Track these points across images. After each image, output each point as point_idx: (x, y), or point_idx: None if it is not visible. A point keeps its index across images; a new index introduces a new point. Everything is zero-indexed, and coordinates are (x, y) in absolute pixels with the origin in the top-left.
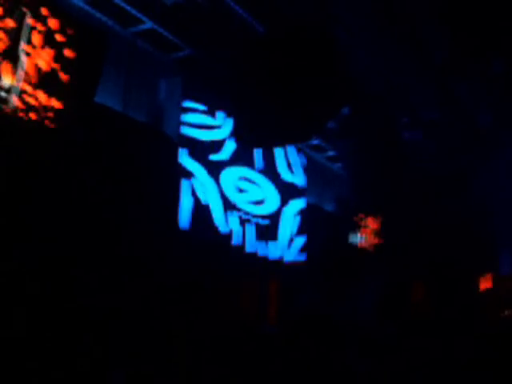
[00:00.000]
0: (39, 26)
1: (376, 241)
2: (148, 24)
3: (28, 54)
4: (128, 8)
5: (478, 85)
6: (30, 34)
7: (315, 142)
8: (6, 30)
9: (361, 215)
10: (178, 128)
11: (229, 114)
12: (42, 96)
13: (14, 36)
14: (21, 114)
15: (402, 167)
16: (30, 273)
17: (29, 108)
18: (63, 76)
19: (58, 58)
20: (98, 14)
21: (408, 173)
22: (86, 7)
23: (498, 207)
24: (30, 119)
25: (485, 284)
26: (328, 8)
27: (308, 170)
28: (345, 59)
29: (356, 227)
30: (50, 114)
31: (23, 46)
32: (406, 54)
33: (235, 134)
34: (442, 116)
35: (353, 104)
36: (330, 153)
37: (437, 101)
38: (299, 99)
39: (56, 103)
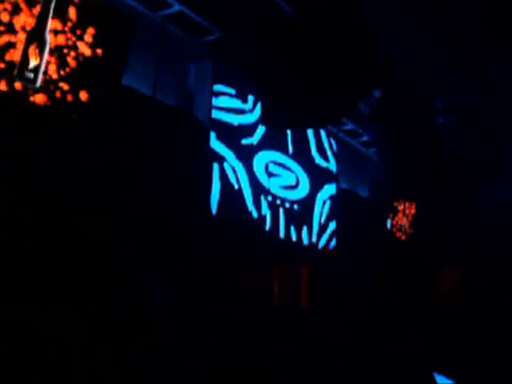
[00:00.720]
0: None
1: (411, 227)
2: (176, 7)
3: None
4: None
5: None
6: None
7: (349, 126)
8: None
9: (398, 201)
10: (209, 112)
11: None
12: (70, 80)
13: (41, 14)
14: (47, 101)
15: (436, 153)
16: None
17: (57, 96)
18: (92, 58)
19: (89, 40)
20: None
21: (441, 158)
22: None
23: None
24: (58, 104)
25: None
26: None
27: (342, 155)
28: (376, 41)
29: (392, 213)
30: (80, 99)
31: (51, 24)
32: (440, 36)
33: (262, 116)
34: (477, 101)
35: (385, 87)
36: (365, 138)
37: (471, 86)
38: (328, 81)
39: (86, 89)
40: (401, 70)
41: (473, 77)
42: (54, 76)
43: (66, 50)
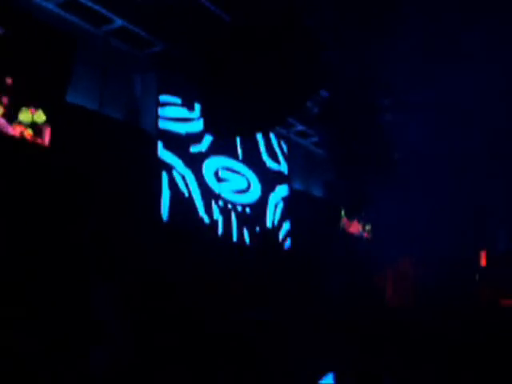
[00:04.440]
0: None
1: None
2: (118, 22)
3: None
4: (97, 8)
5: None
6: None
7: (299, 128)
8: None
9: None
10: (156, 123)
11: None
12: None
13: None
14: None
15: (387, 150)
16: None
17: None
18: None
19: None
20: (69, 16)
21: (394, 155)
22: (57, 10)
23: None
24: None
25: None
26: None
27: (294, 156)
28: (317, 43)
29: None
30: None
31: None
32: (384, 34)
33: (205, 124)
34: (425, 96)
35: (331, 88)
36: (315, 138)
37: (418, 81)
38: (269, 85)
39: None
40: (346, 70)
41: (420, 71)
42: None
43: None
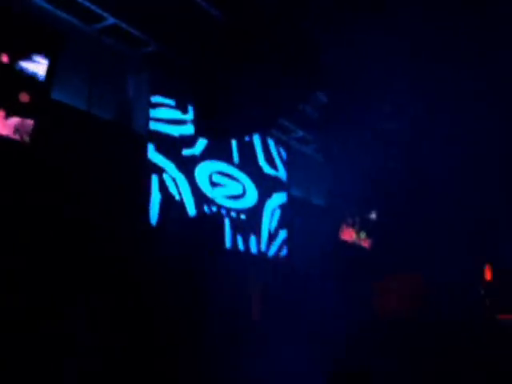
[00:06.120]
0: None
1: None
2: (110, 20)
3: None
4: (88, 4)
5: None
6: None
7: (300, 134)
8: None
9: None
10: (147, 124)
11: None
12: None
13: None
14: None
15: (387, 158)
16: None
17: None
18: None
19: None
20: (60, 13)
21: (393, 164)
22: (47, 5)
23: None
24: None
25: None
26: None
27: (294, 163)
28: (312, 43)
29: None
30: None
31: None
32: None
33: (196, 126)
34: (425, 104)
35: (330, 93)
36: (316, 145)
37: (419, 89)
38: (262, 85)
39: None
40: (344, 74)
41: (420, 80)
42: None
43: None
